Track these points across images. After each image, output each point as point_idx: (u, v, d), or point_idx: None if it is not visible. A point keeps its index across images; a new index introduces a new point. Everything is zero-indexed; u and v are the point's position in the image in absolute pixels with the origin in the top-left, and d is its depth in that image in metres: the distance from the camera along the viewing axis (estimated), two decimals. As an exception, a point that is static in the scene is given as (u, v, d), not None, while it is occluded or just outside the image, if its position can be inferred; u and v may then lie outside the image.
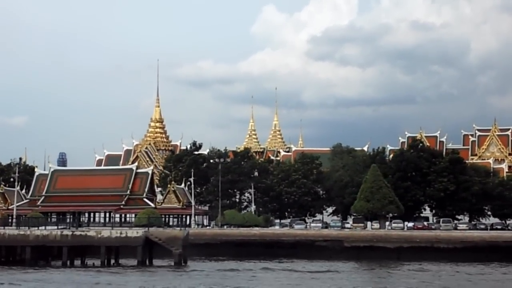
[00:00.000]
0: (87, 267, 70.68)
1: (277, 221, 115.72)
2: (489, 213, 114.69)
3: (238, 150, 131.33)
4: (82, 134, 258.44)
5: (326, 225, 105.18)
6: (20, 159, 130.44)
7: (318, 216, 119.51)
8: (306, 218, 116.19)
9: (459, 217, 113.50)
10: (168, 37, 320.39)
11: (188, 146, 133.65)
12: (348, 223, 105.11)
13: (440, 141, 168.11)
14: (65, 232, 71.03)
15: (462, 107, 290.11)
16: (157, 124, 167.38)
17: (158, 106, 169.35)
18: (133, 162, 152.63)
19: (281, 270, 69.12)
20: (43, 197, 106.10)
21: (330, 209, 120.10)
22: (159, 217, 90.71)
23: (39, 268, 66.87)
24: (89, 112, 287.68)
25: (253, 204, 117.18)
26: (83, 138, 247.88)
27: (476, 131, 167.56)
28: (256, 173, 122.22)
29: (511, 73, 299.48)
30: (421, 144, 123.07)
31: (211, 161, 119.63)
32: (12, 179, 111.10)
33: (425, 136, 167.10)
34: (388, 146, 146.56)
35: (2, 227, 74.61)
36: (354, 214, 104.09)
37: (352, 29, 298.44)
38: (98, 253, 70.74)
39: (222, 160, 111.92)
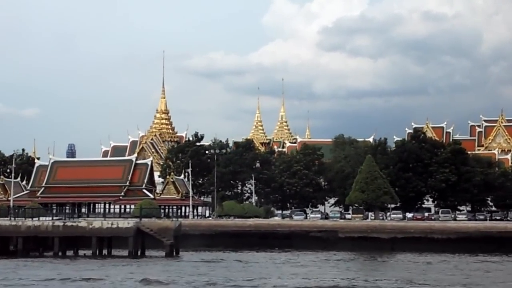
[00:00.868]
0: (78, 257, 70.74)
1: (279, 212, 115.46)
2: (491, 203, 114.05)
3: (241, 141, 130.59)
4: (91, 125, 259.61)
5: (326, 216, 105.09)
6: (23, 150, 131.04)
7: (320, 207, 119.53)
8: (307, 209, 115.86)
9: (461, 208, 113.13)
10: (178, 28, 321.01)
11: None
12: (349, 213, 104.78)
13: (446, 132, 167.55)
14: (57, 223, 71.12)
15: (475, 97, 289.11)
16: (163, 116, 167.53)
17: (164, 98, 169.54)
18: (138, 154, 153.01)
19: (273, 259, 69.07)
20: (43, 188, 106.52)
21: (332, 200, 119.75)
22: (156, 208, 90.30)
23: (29, 259, 66.84)
24: (99, 103, 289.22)
25: (253, 195, 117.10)
26: (92, 129, 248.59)
27: (483, 122, 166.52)
28: (258, 164, 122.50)
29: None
30: (422, 135, 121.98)
31: (208, 152, 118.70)
32: (9, 170, 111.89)
33: (432, 127, 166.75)
34: (394, 137, 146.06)
35: (-2, 218, 74.72)
36: (355, 205, 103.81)
37: (364, 19, 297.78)
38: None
39: (218, 151, 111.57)
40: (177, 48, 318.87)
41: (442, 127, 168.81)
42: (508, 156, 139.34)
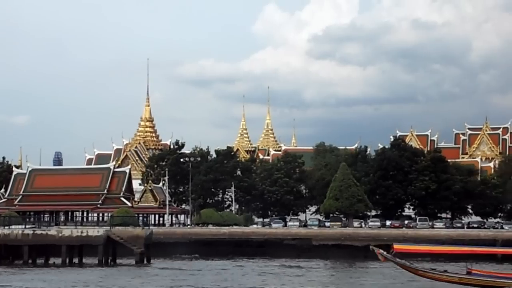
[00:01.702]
0: (47, 266, 70.40)
1: (260, 220, 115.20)
2: (471, 211, 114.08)
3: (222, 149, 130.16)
4: (79, 133, 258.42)
5: (305, 224, 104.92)
6: (4, 158, 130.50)
7: (301, 215, 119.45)
8: (287, 217, 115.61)
9: (441, 216, 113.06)
10: (169, 36, 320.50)
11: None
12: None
13: (431, 140, 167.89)
14: (26, 231, 70.85)
15: (464, 106, 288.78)
16: (147, 123, 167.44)
17: (148, 105, 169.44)
18: (122, 161, 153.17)
19: (244, 267, 68.88)
20: (20, 196, 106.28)
21: (313, 208, 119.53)
22: (133, 216, 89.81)
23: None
24: (88, 110, 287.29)
25: (233, 203, 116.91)
26: (80, 137, 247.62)
27: (467, 130, 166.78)
28: (239, 172, 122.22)
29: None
30: (403, 143, 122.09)
31: (182, 159, 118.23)
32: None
33: (416, 135, 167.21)
34: (379, 145, 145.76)
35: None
36: (336, 213, 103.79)
37: (353, 28, 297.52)
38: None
39: (194, 159, 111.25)
40: (168, 55, 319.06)
41: (427, 135, 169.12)
42: (490, 164, 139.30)
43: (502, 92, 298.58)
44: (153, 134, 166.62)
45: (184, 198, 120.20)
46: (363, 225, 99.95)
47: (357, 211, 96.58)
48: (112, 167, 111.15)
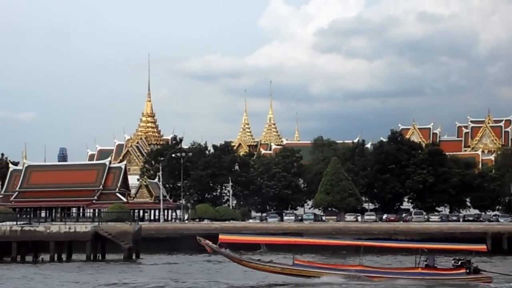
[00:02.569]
0: (35, 262, 70.35)
1: (258, 214, 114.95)
2: (469, 204, 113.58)
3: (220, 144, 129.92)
4: (85, 129, 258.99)
5: (301, 218, 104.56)
6: (2, 154, 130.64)
7: (300, 209, 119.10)
8: (285, 212, 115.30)
9: (439, 209, 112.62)
10: (174, 31, 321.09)
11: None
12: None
13: (433, 133, 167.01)
14: (14, 227, 70.77)
15: (472, 98, 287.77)
16: (149, 119, 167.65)
17: (150, 101, 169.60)
18: (124, 157, 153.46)
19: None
20: (16, 193, 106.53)
21: (310, 202, 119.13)
22: (127, 212, 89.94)
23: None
24: (93, 107, 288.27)
25: (231, 197, 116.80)
26: (85, 133, 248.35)
27: (470, 123, 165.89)
28: (236, 167, 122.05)
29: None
30: (400, 137, 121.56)
31: (178, 155, 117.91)
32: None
33: (418, 128, 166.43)
34: (381, 138, 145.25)
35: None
36: (330, 208, 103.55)
37: (359, 21, 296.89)
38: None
39: (184, 154, 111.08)
40: (173, 50, 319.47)
41: (429, 128, 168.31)
42: (491, 157, 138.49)
43: (509, 84, 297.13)
44: (155, 130, 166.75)
45: (182, 193, 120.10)
46: (359, 219, 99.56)
47: (348, 205, 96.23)
48: (107, 163, 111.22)
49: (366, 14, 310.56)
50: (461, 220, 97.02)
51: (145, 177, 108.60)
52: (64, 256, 72.37)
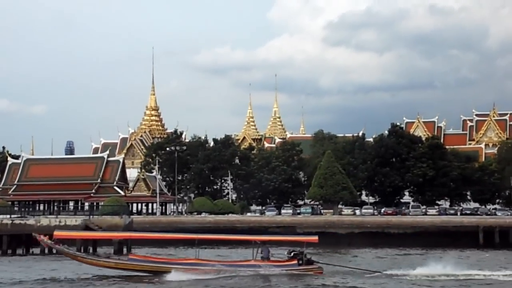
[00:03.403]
0: (25, 255, 70.46)
1: (259, 208, 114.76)
2: (469, 198, 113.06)
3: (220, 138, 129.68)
4: (92, 122, 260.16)
5: (299, 212, 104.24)
6: (4, 148, 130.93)
7: (300, 203, 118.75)
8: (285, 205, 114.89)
9: (440, 203, 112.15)
10: (185, 24, 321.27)
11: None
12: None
13: (438, 126, 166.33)
14: (5, 221, 70.93)
15: (482, 91, 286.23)
16: (153, 112, 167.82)
17: (154, 94, 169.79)
18: (127, 150, 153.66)
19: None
20: (15, 186, 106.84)
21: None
22: (123, 205, 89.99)
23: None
24: (103, 100, 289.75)
25: (230, 191, 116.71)
26: (95, 126, 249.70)
27: (475, 116, 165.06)
28: (237, 161, 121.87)
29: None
30: (400, 130, 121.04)
31: (170, 148, 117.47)
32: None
33: (423, 122, 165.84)
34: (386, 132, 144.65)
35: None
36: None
37: (369, 14, 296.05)
38: (44, 242, 70.44)
39: (178, 148, 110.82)
40: (183, 43, 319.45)
41: (434, 122, 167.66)
42: (495, 150, 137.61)
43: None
44: (159, 123, 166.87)
45: (182, 186, 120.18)
46: (357, 212, 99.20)
47: (342, 198, 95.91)
48: (106, 156, 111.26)
49: (376, 7, 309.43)
50: (458, 213, 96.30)
51: (143, 170, 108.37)
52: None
